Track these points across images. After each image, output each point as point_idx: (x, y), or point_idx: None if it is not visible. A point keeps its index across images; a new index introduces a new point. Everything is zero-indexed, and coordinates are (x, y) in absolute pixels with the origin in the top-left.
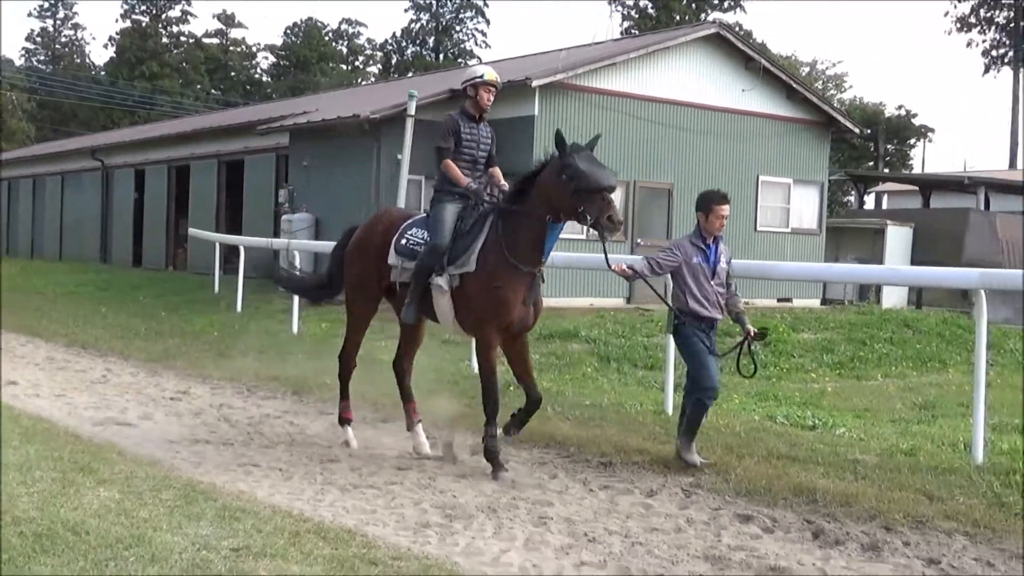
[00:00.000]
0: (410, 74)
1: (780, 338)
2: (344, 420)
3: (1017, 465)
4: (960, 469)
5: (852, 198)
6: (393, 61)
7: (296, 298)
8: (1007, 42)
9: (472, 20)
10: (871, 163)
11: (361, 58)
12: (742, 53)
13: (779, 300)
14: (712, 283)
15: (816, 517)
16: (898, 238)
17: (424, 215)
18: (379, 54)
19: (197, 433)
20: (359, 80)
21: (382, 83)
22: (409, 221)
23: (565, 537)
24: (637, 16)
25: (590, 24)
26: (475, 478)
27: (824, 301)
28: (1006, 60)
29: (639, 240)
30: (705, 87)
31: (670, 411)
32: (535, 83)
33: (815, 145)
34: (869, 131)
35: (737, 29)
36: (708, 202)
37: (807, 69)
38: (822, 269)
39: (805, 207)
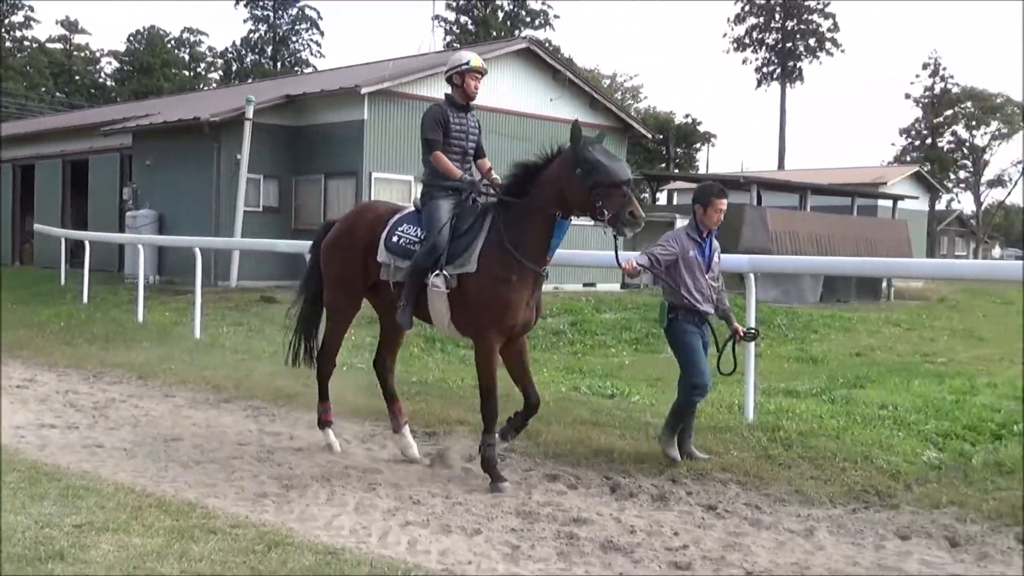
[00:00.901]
0: (250, 80)
1: (585, 318)
2: (324, 423)
3: (781, 423)
4: (734, 427)
5: (647, 195)
6: (233, 68)
7: (141, 287)
8: (776, 61)
9: (307, 32)
10: (663, 164)
11: (203, 64)
12: (550, 66)
13: (584, 285)
14: (707, 277)
15: (614, 474)
16: None
17: (412, 209)
18: (220, 61)
19: (43, 418)
20: (201, 85)
21: (223, 88)
22: (398, 216)
23: (392, 501)
24: (458, 31)
25: (415, 37)
26: (311, 451)
27: (623, 285)
28: (775, 76)
29: None
30: (518, 96)
31: None
32: (364, 90)
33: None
34: (661, 136)
35: (547, 44)
36: (707, 195)
37: (608, 81)
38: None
39: None
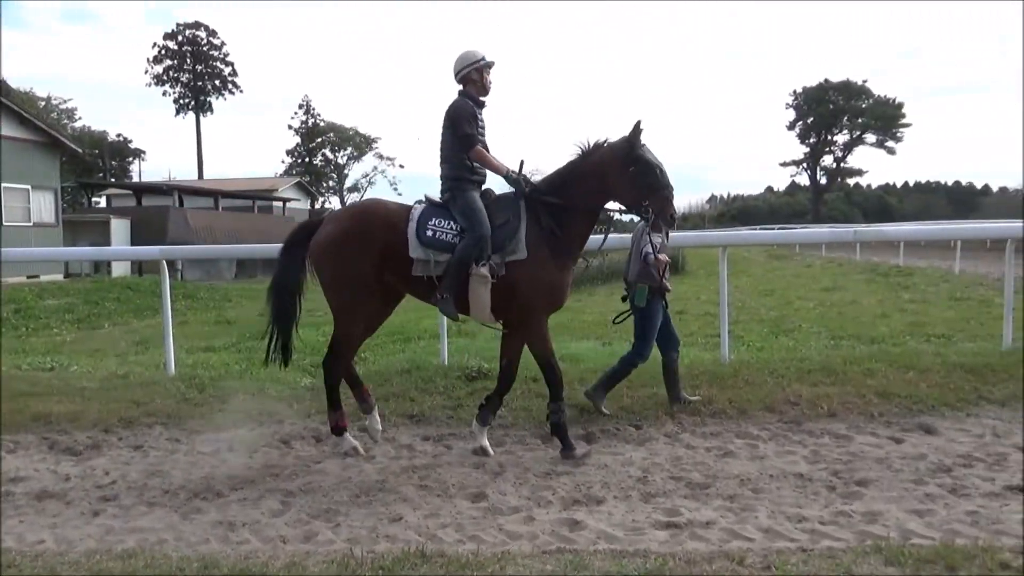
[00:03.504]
0: None
1: (28, 305)
2: (340, 429)
3: (198, 372)
4: (160, 381)
5: (85, 199)
6: None
7: None
8: (190, 95)
9: None
10: (100, 174)
11: None
12: None
13: (28, 277)
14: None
15: (51, 433)
16: (120, 228)
17: (427, 204)
18: None
19: None
20: None
21: None
22: (422, 211)
23: None
24: None
25: None
26: None
27: (67, 275)
28: (190, 107)
29: None
30: None
31: None
32: None
33: (48, 160)
34: (96, 151)
35: None
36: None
37: (43, 103)
38: (133, 250)
39: (43, 206)
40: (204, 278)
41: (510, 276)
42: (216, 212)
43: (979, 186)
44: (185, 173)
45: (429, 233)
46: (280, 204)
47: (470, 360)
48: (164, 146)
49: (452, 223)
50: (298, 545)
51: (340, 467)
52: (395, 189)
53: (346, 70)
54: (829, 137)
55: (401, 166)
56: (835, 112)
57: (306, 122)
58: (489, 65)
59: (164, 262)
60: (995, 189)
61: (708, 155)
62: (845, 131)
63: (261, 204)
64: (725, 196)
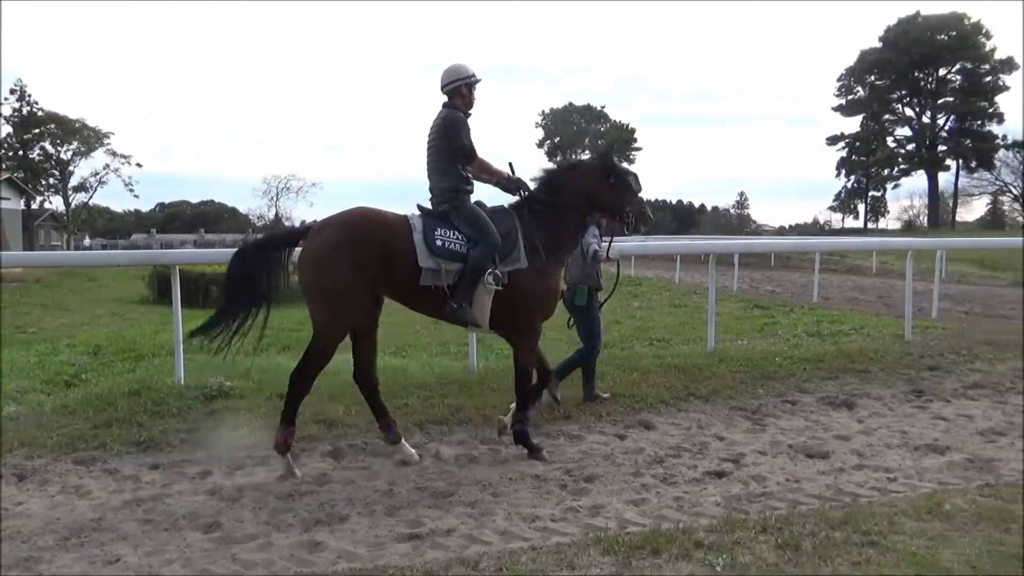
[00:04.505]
0: None
1: None
2: (285, 447)
3: None
4: None
5: None
6: None
7: None
8: None
9: None
10: None
11: None
12: None
13: None
14: None
15: None
16: None
17: (424, 214)
18: None
19: None
20: None
21: None
22: (423, 222)
23: None
24: None
25: None
26: None
27: None
28: None
29: None
30: None
31: None
32: None
33: None
34: None
35: None
36: None
37: None
38: None
39: None
40: None
41: (511, 285)
42: None
43: (697, 205)
44: None
45: (439, 243)
46: None
47: (210, 378)
48: None
49: (458, 233)
50: None
51: (47, 507)
52: (131, 190)
53: (73, 55)
54: (573, 156)
55: (139, 165)
56: (579, 133)
57: (20, 109)
58: (478, 81)
59: None
60: (709, 208)
61: None
62: (587, 152)
63: None
64: None
